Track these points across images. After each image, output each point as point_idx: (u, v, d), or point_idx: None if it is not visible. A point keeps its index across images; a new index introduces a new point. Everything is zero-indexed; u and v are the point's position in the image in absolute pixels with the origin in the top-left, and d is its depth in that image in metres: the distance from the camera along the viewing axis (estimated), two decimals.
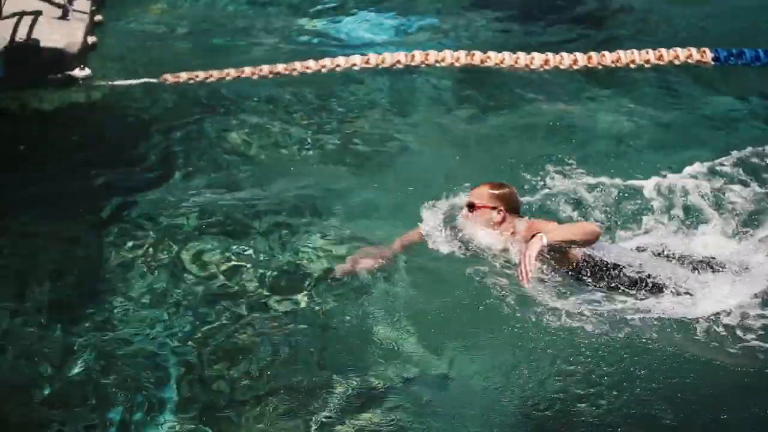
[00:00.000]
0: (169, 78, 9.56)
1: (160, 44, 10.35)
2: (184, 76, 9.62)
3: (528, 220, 7.26)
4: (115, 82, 9.50)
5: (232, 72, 9.74)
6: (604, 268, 7.02)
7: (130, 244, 7.41)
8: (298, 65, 9.86)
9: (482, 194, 7.34)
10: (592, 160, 8.36)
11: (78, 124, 9.01)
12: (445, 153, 8.65)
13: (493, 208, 7.27)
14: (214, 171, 8.39)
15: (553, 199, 7.83)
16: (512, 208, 7.32)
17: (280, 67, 9.82)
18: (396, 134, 8.96)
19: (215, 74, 9.70)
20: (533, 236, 6.85)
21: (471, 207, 7.32)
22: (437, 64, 10.00)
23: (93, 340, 6.52)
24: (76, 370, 6.31)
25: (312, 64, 9.88)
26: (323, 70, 9.88)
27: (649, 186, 7.93)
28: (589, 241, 6.96)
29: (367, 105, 9.44)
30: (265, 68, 9.81)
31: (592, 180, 7.96)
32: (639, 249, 7.25)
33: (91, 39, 9.80)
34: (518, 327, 6.59)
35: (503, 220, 7.25)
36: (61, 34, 9.44)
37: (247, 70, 9.77)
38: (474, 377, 6.37)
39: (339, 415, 6.09)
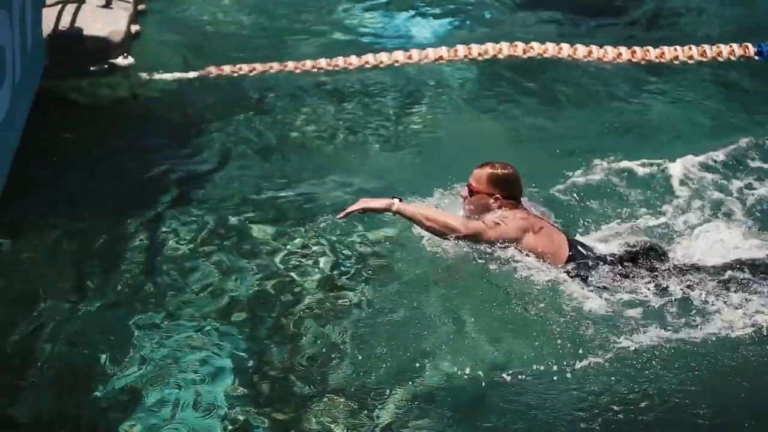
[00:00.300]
0: (213, 70, 9.57)
1: (202, 34, 10.36)
2: (227, 69, 9.62)
3: (523, 211, 6.91)
4: (158, 73, 9.51)
5: (275, 66, 9.73)
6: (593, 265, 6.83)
7: (181, 236, 7.38)
8: (340, 60, 9.84)
9: (481, 177, 6.96)
10: (632, 152, 8.28)
11: (120, 113, 9.02)
12: (495, 144, 8.60)
13: (490, 194, 6.92)
14: (259, 164, 8.36)
15: (585, 192, 7.73)
16: (511, 194, 6.93)
17: (323, 62, 9.81)
18: (444, 127, 8.95)
19: (258, 67, 9.69)
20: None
21: (470, 190, 6.98)
22: (480, 57, 9.97)
23: (150, 333, 6.51)
24: (135, 363, 6.30)
25: (354, 60, 9.86)
26: (366, 66, 9.86)
27: (677, 174, 7.87)
28: (438, 233, 6.72)
29: (411, 100, 9.39)
30: (308, 63, 9.80)
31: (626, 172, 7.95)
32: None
33: (134, 28, 9.82)
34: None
35: (500, 209, 6.89)
36: (104, 22, 9.47)
37: (290, 65, 9.76)
38: (529, 375, 6.26)
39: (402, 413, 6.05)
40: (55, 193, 7.82)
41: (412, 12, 11.13)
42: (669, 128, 8.97)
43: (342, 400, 6.06)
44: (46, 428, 5.92)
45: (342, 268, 7.07)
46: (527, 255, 6.79)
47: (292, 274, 7.01)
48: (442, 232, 6.75)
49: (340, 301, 6.80)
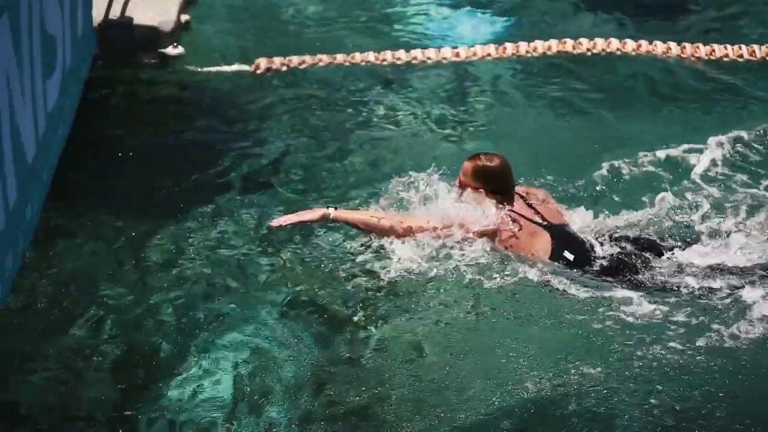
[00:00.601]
0: (263, 62, 9.58)
1: (252, 25, 10.34)
2: (277, 61, 9.62)
3: (500, 210, 6.76)
4: (206, 66, 9.54)
5: (324, 58, 9.72)
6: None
7: (233, 230, 7.40)
8: (388, 55, 9.82)
9: (467, 170, 6.85)
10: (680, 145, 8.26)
11: (168, 103, 9.05)
12: (544, 139, 8.58)
13: (476, 188, 6.81)
14: (308, 156, 8.36)
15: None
16: (496, 188, 6.81)
17: (371, 56, 9.80)
18: (493, 123, 8.90)
19: (308, 60, 9.69)
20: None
21: (460, 183, 6.88)
22: (529, 54, 9.92)
23: (205, 336, 6.54)
24: (192, 358, 6.36)
25: (402, 55, 9.82)
26: (414, 62, 9.83)
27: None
28: (381, 234, 6.74)
29: (461, 96, 9.35)
30: (357, 56, 9.79)
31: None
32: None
33: (184, 17, 9.85)
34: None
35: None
36: (155, 11, 9.50)
37: (339, 57, 9.75)
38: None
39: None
40: (103, 184, 7.86)
41: (463, 9, 11.07)
42: (717, 124, 8.89)
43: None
44: (106, 419, 5.99)
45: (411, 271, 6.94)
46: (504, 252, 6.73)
47: (356, 271, 6.95)
48: (383, 233, 6.76)
49: (421, 301, 6.74)
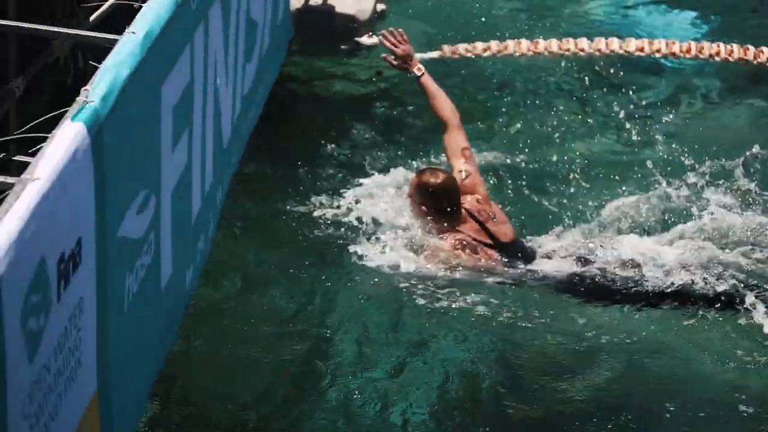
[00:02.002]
0: (447, 49, 9.53)
1: (444, 12, 10.33)
2: (461, 48, 9.57)
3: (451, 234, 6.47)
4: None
5: (510, 45, 9.62)
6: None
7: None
8: (572, 44, 9.65)
9: (412, 183, 6.59)
10: None
11: (361, 92, 9.12)
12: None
13: (419, 204, 6.47)
14: (500, 146, 8.35)
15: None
16: (438, 209, 6.48)
17: (554, 45, 9.65)
18: (665, 126, 8.72)
19: (494, 47, 9.61)
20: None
21: (408, 194, 6.61)
22: (712, 59, 9.65)
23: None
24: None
25: (585, 45, 9.63)
26: (597, 54, 9.64)
27: None
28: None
29: (641, 94, 9.22)
30: (541, 44, 9.64)
31: None
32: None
33: (380, 7, 9.88)
34: None
35: (429, 221, 6.44)
36: (352, 0, 9.55)
37: (524, 45, 9.62)
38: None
39: None
40: (287, 169, 7.91)
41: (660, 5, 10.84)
42: None
43: None
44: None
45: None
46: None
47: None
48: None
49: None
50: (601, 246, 6.83)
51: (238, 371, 6.30)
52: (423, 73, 6.76)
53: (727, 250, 6.91)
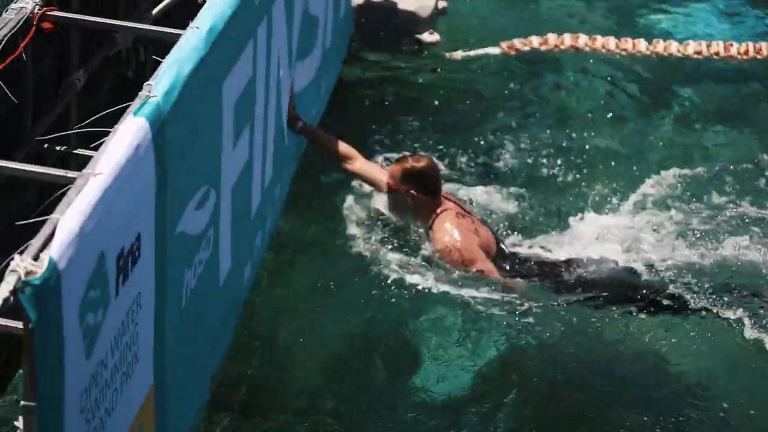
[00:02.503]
0: (505, 46, 9.48)
1: (506, 9, 10.27)
2: (517, 43, 9.51)
3: (446, 213, 6.67)
4: (461, 50, 9.50)
5: (567, 39, 9.53)
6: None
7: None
8: (629, 43, 9.53)
9: (395, 173, 6.75)
10: None
11: (420, 88, 9.08)
12: None
13: (406, 191, 6.68)
14: (555, 147, 8.27)
15: None
16: (428, 190, 6.70)
17: (612, 43, 9.54)
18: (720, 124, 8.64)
19: (552, 40, 9.52)
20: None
21: (388, 187, 6.76)
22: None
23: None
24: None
25: (643, 47, 9.52)
26: (653, 56, 9.53)
27: None
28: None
29: (705, 95, 9.09)
30: (599, 41, 9.54)
31: None
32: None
33: (441, 4, 9.81)
34: None
35: (418, 206, 6.67)
36: None
37: (582, 41, 9.52)
38: None
39: None
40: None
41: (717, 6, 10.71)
42: None
43: None
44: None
45: None
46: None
47: None
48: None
49: None
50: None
51: (292, 369, 6.29)
52: (303, 124, 6.74)
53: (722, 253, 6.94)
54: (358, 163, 6.92)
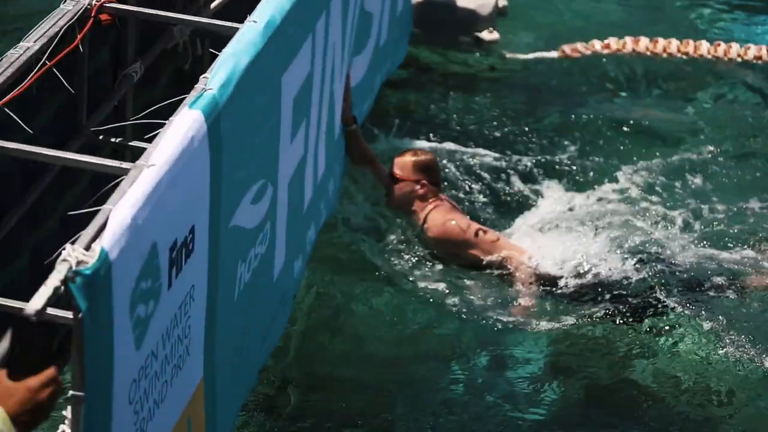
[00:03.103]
0: (566, 49, 9.40)
1: (565, 10, 10.19)
2: (580, 47, 9.42)
3: (442, 205, 6.92)
4: (519, 51, 9.44)
5: (629, 43, 9.43)
6: None
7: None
8: (691, 47, 9.41)
9: (405, 164, 7.00)
10: None
11: (476, 87, 9.04)
12: None
13: (416, 181, 6.94)
14: (613, 150, 8.19)
15: None
16: (435, 181, 7.04)
17: (673, 46, 9.42)
18: None
19: (613, 44, 9.43)
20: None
21: (393, 178, 6.97)
22: None
23: None
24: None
25: (704, 49, 9.40)
26: (714, 59, 9.40)
27: None
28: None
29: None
30: (660, 43, 9.42)
31: None
32: None
33: (501, 3, 9.77)
34: None
35: (422, 198, 6.94)
36: None
37: (642, 44, 9.41)
38: None
39: None
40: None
41: None
42: None
43: None
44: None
45: None
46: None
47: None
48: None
49: None
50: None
51: (336, 366, 6.28)
52: (356, 126, 6.83)
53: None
54: (379, 166, 7.12)
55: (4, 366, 2.85)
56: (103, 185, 3.86)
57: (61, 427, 3.34)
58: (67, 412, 3.31)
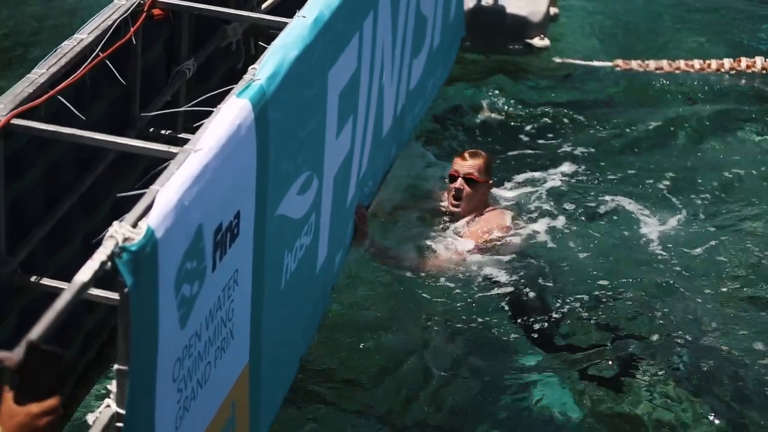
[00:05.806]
0: (621, 64, 9.42)
1: (617, 24, 10.21)
2: (634, 64, 9.43)
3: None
4: (569, 59, 9.48)
5: (681, 64, 9.43)
6: None
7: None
8: (743, 64, 9.39)
9: (480, 165, 6.89)
10: None
11: (528, 92, 9.08)
12: None
13: (488, 183, 6.94)
14: (652, 163, 8.19)
15: None
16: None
17: (727, 64, 9.41)
18: None
19: (666, 66, 9.42)
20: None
21: (470, 182, 6.83)
22: None
23: None
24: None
25: (759, 65, 9.37)
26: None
27: None
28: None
29: None
30: (714, 64, 9.41)
31: None
32: None
33: (553, 10, 9.81)
34: None
35: (486, 198, 6.96)
36: (525, 1, 9.52)
37: (696, 64, 9.41)
38: None
39: None
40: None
41: None
42: None
43: None
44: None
45: None
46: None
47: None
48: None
49: None
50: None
51: (369, 357, 6.35)
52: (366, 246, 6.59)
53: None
54: (401, 252, 6.86)
55: (14, 389, 2.97)
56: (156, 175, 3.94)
57: (107, 400, 3.42)
58: (112, 386, 3.40)
